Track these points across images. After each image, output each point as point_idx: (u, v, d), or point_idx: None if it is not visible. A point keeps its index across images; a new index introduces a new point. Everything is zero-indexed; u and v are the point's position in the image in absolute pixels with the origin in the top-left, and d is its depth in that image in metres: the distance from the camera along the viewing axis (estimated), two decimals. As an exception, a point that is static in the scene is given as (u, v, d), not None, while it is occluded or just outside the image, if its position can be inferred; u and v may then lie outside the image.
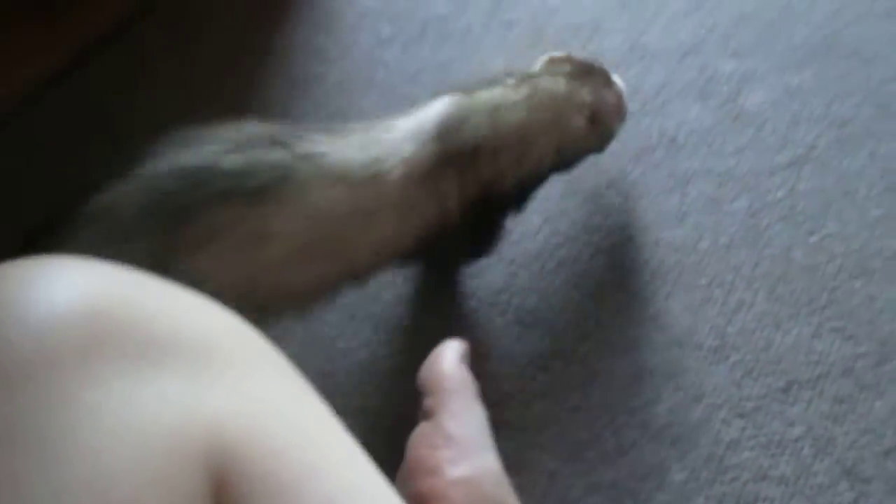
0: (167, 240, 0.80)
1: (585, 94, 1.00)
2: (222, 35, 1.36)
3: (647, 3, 1.33)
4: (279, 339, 0.97)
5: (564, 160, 1.02)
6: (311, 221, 0.86)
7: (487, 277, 1.14)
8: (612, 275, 1.14)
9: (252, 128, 0.88)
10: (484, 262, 1.14)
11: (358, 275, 0.95)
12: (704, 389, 1.06)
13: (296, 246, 0.86)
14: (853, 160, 1.21)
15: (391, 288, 1.13)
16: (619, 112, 1.05)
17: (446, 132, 0.92)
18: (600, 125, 1.03)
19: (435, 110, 0.94)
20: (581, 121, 1.00)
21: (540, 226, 1.17)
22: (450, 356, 0.83)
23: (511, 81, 0.98)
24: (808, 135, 1.23)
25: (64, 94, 1.30)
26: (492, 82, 0.98)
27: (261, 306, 0.86)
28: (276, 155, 0.84)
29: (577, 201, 1.18)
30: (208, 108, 1.26)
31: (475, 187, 0.95)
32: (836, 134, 1.23)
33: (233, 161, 0.82)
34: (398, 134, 0.92)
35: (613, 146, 1.20)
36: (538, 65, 1.05)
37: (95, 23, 1.36)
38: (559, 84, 0.99)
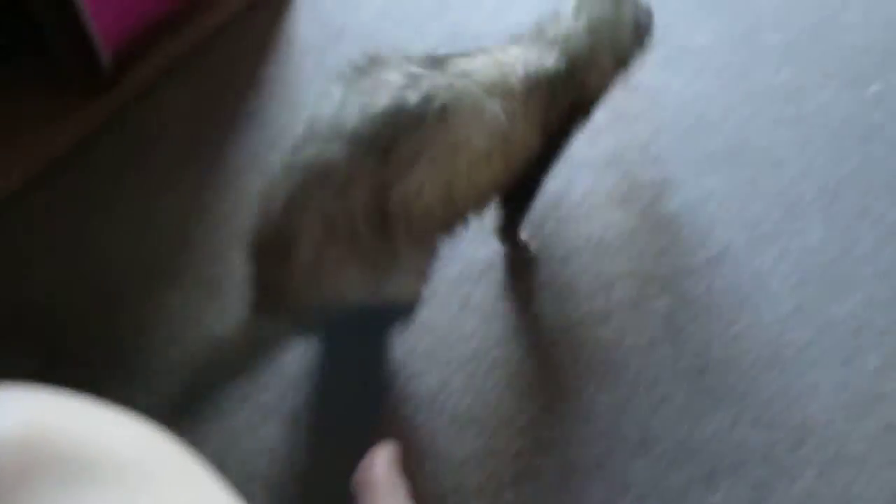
0: (383, 171, 0.95)
1: (628, 10, 1.18)
2: (175, 147, 1.44)
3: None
4: (204, 441, 1.03)
5: (623, 67, 1.19)
6: (486, 130, 1.02)
7: (424, 380, 1.20)
8: (542, 374, 1.21)
9: (411, 61, 1.02)
10: (420, 365, 1.21)
11: (510, 179, 1.10)
12: (630, 480, 1.13)
13: (479, 152, 1.02)
14: (766, 258, 1.30)
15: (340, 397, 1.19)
16: (651, 18, 1.23)
17: (533, 68, 1.09)
18: (641, 33, 1.21)
19: (520, 49, 1.10)
20: (628, 34, 1.18)
21: (474, 329, 1.24)
22: (382, 460, 0.89)
23: (570, 12, 1.16)
24: (724, 235, 1.32)
25: (23, 211, 1.36)
26: (554, 16, 1.16)
27: (457, 211, 1.04)
28: (442, 78, 1.00)
29: (510, 304, 1.26)
30: (159, 221, 1.34)
31: (564, 106, 1.12)
32: (749, 234, 1.32)
33: (413, 94, 0.97)
34: (511, 59, 1.08)
35: (543, 251, 1.28)
36: None
37: (56, 143, 1.44)
38: (606, 8, 1.17)
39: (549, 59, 1.10)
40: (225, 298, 1.27)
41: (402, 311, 1.10)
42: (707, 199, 1.36)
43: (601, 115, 1.42)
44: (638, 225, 1.33)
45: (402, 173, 0.96)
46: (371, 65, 1.01)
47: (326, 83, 1.02)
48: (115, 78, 1.48)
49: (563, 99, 1.11)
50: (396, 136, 0.95)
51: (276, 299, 1.01)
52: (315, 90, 1.49)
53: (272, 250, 0.98)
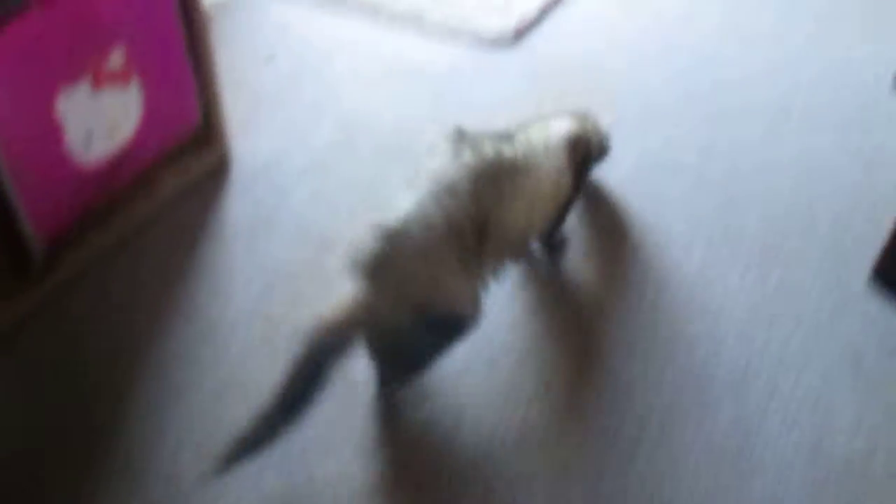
0: (490, 195, 1.35)
1: (591, 129, 1.66)
2: (104, 336, 1.46)
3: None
4: None
5: (601, 153, 1.71)
6: (552, 178, 1.48)
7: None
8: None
9: (492, 132, 1.45)
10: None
11: (558, 211, 1.56)
12: None
13: (548, 193, 1.47)
14: (680, 439, 1.35)
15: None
16: (608, 141, 1.73)
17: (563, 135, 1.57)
18: (603, 145, 1.71)
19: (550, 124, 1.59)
20: (596, 142, 1.67)
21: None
22: None
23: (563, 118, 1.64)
24: (638, 418, 1.38)
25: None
26: (541, 119, 1.62)
27: (528, 234, 1.47)
28: (514, 144, 1.44)
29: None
30: (83, 407, 1.34)
31: (579, 160, 1.58)
32: (662, 417, 1.38)
33: (507, 149, 1.42)
34: (547, 131, 1.54)
35: (449, 460, 1.32)
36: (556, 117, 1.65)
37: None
38: (574, 125, 1.61)
39: (566, 129, 1.56)
40: (144, 482, 1.28)
41: (458, 329, 1.34)
42: (628, 384, 1.42)
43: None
44: (553, 419, 1.38)
45: (502, 200, 1.37)
46: (464, 136, 1.41)
47: (433, 141, 1.41)
48: (47, 266, 1.50)
49: (577, 155, 1.57)
50: (500, 174, 1.38)
51: (381, 271, 1.26)
52: (245, 278, 1.54)
53: (395, 232, 1.27)
